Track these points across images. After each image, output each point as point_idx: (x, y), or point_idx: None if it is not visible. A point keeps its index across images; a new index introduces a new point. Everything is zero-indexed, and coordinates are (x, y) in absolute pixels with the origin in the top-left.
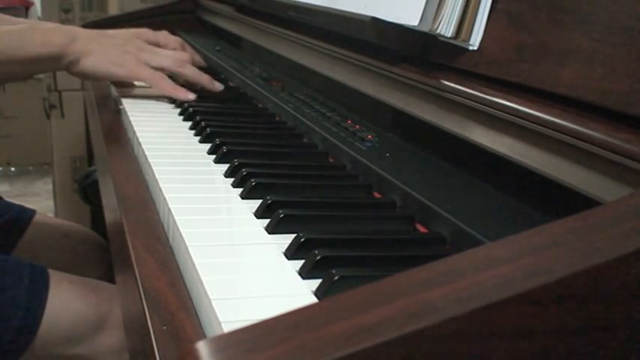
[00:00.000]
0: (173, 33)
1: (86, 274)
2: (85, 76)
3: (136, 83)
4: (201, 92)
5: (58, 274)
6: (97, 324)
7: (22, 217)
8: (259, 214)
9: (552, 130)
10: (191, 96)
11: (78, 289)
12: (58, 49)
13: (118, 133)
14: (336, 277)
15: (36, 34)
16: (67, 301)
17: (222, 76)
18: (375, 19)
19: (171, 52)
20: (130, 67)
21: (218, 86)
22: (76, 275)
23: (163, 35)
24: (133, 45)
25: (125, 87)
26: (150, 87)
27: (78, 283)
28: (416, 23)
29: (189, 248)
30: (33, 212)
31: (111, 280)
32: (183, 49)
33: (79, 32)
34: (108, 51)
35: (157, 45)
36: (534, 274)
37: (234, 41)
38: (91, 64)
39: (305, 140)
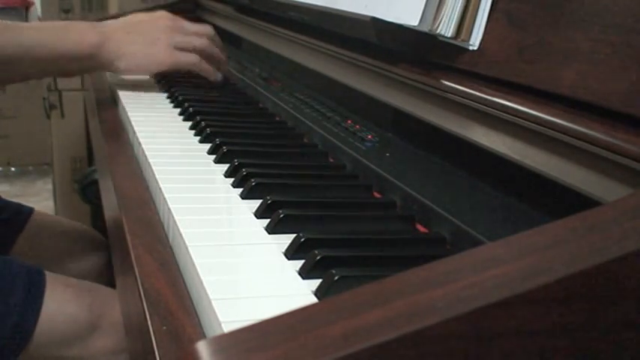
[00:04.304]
0: None
1: (85, 270)
2: (122, 73)
3: (131, 78)
4: (201, 91)
5: (54, 277)
6: (90, 326)
7: (20, 214)
8: (259, 214)
9: (552, 130)
10: (219, 76)
11: (72, 291)
12: (90, 49)
13: (118, 133)
14: (336, 277)
15: (67, 31)
16: (61, 303)
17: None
18: (375, 19)
19: (200, 28)
20: (163, 59)
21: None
22: (72, 276)
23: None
24: (162, 30)
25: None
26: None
27: (73, 285)
28: (416, 23)
29: (189, 248)
30: (31, 210)
31: (110, 276)
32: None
33: (110, 32)
34: (140, 47)
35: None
36: (534, 274)
37: (234, 41)
38: (125, 65)
39: (305, 140)
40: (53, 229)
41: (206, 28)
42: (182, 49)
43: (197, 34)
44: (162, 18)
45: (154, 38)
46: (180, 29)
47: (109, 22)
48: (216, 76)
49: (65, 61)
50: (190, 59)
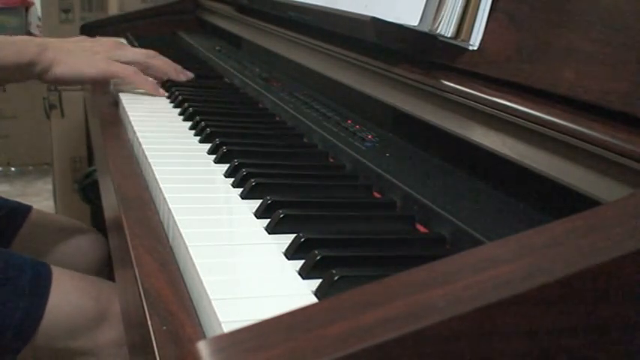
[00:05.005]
0: (173, 33)
1: (83, 267)
2: (58, 82)
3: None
4: (201, 91)
5: (59, 270)
6: (97, 318)
7: (18, 212)
8: (259, 214)
9: (552, 130)
10: (161, 91)
11: (78, 283)
12: (31, 57)
13: (118, 132)
14: (336, 277)
15: (10, 44)
16: (67, 295)
17: (215, 74)
18: (375, 19)
19: (140, 49)
20: (100, 65)
21: (184, 76)
22: (75, 270)
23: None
24: (101, 45)
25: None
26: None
27: (78, 278)
28: (416, 23)
29: (189, 248)
30: (29, 208)
31: (109, 274)
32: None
33: (49, 42)
34: (77, 55)
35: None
36: (534, 274)
37: (234, 41)
38: (61, 70)
39: (305, 140)
40: (51, 226)
41: (147, 50)
42: (119, 61)
43: (135, 52)
44: (104, 39)
45: (93, 51)
46: (119, 48)
47: (53, 39)
48: (154, 88)
49: (6, 70)
50: (125, 69)
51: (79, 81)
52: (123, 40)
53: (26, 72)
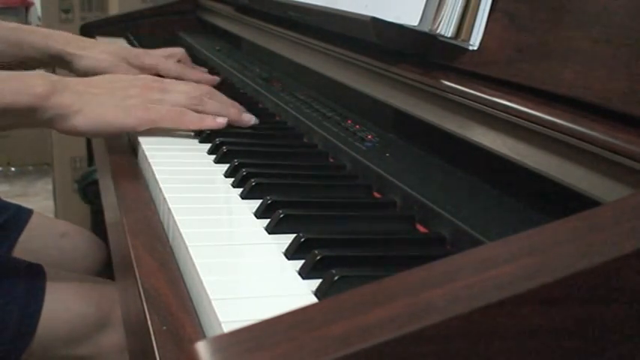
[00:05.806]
0: (173, 33)
1: (84, 272)
2: (80, 135)
3: None
4: None
5: (56, 273)
6: (98, 323)
7: (20, 217)
8: (259, 214)
9: (552, 130)
10: (221, 120)
11: (76, 288)
12: (32, 100)
13: None
14: (336, 277)
15: (12, 80)
16: (64, 301)
17: (214, 71)
18: (375, 19)
19: (186, 86)
20: (138, 114)
21: (248, 120)
22: (75, 274)
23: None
24: (136, 86)
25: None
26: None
27: (76, 282)
28: (416, 23)
29: (189, 248)
30: (30, 212)
31: (108, 278)
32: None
33: (68, 81)
34: (106, 101)
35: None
36: (534, 274)
37: (234, 41)
38: (84, 121)
39: (305, 140)
40: (53, 231)
41: (198, 87)
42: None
43: (181, 93)
44: (142, 78)
45: (125, 95)
46: (159, 87)
47: (74, 78)
48: (216, 123)
49: None
50: (167, 114)
51: (104, 134)
52: (171, 82)
53: (24, 120)
